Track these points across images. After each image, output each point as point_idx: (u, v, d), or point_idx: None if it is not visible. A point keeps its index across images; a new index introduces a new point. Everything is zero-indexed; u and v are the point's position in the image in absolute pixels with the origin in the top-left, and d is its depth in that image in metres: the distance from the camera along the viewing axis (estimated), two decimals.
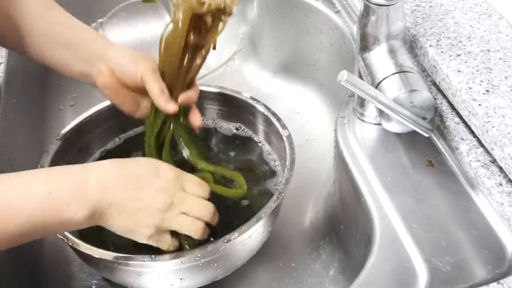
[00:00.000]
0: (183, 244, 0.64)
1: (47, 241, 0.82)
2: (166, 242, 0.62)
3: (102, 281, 0.77)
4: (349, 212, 0.72)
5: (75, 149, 0.79)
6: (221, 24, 0.64)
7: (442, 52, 0.70)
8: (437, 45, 0.71)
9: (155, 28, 1.10)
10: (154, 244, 0.61)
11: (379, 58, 0.68)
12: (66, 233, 0.66)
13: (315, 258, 0.80)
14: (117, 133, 0.84)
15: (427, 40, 0.72)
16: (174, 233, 0.62)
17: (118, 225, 0.59)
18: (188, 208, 0.60)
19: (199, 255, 0.63)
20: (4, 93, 0.82)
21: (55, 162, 0.75)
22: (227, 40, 1.05)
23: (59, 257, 0.80)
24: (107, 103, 0.81)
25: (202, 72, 0.93)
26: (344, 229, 0.76)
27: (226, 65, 0.96)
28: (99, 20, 1.07)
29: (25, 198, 0.53)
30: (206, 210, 0.62)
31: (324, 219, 0.83)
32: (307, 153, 0.92)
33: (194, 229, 0.61)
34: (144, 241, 0.61)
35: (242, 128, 0.84)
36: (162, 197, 0.59)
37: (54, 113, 1.02)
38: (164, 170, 0.60)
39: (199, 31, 0.64)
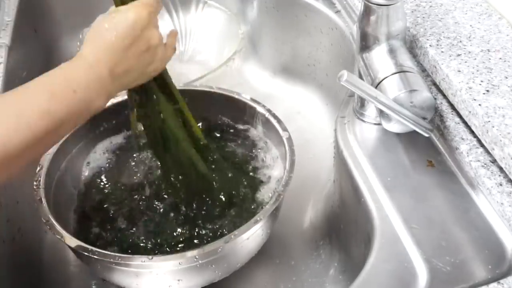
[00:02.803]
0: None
1: (47, 241, 0.82)
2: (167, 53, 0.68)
3: (102, 281, 0.77)
4: (349, 212, 0.72)
5: (76, 149, 0.79)
6: None
7: (442, 52, 0.70)
8: (437, 45, 0.71)
9: None
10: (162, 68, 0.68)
11: (379, 58, 0.68)
12: (64, 233, 0.66)
13: (315, 258, 0.80)
14: (119, 132, 0.84)
15: (427, 40, 0.72)
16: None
17: (134, 83, 0.65)
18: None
19: (197, 257, 0.63)
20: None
21: (55, 161, 0.75)
22: (227, 40, 1.05)
23: (59, 257, 0.80)
24: (109, 102, 0.81)
25: (201, 71, 0.93)
26: (344, 229, 0.76)
27: (226, 65, 0.96)
28: None
29: (53, 99, 0.56)
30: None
31: (324, 219, 0.83)
32: (307, 153, 0.92)
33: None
34: (156, 74, 0.67)
35: (242, 130, 0.84)
36: (154, 37, 0.64)
37: None
38: (141, 16, 0.63)
39: None
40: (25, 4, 1.04)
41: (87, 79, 0.59)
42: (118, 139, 0.84)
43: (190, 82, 0.90)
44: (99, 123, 0.82)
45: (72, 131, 0.77)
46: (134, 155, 0.83)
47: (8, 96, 0.56)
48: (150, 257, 0.63)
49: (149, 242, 0.72)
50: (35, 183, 0.71)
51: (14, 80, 0.88)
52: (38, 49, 1.09)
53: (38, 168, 0.73)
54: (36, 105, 0.55)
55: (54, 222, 0.67)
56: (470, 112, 0.63)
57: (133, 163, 0.82)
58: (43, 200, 0.69)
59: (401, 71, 0.66)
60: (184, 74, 1.07)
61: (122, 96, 0.81)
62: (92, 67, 0.60)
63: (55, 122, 0.55)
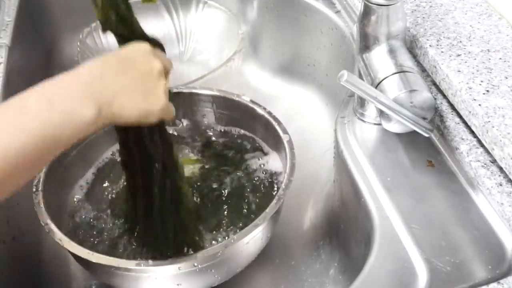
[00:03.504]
0: None
1: (47, 241, 0.82)
2: (170, 108, 0.61)
3: (102, 282, 0.77)
4: (349, 212, 0.72)
5: (75, 151, 0.79)
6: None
7: (442, 52, 0.70)
8: (437, 45, 0.71)
9: (155, 28, 1.10)
10: (164, 116, 0.60)
11: (379, 58, 0.68)
12: (63, 237, 0.65)
13: (315, 258, 0.80)
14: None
15: (427, 40, 0.72)
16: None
17: (131, 110, 0.56)
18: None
19: (196, 261, 0.63)
20: (4, 93, 0.82)
21: (54, 163, 0.75)
22: (227, 40, 1.05)
23: (59, 257, 0.80)
24: None
25: (201, 72, 0.93)
26: (344, 229, 0.76)
27: (226, 65, 0.95)
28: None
29: (26, 113, 0.49)
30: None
31: (324, 219, 0.83)
32: (307, 153, 0.92)
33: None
34: (157, 117, 0.59)
35: (242, 131, 0.84)
36: (156, 62, 0.58)
37: None
38: (140, 45, 0.60)
39: None
40: (25, 4, 1.04)
41: (68, 87, 0.52)
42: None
43: (190, 82, 0.90)
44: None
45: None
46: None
47: None
48: (150, 261, 0.63)
49: (148, 246, 0.71)
50: (34, 186, 0.71)
51: (14, 80, 0.88)
52: (38, 49, 1.09)
53: None
54: (6, 120, 0.49)
55: (53, 226, 0.67)
56: (470, 112, 0.63)
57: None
58: (42, 203, 0.69)
59: (401, 71, 0.66)
60: (184, 74, 1.07)
61: None
62: (79, 75, 0.54)
63: (31, 141, 0.49)
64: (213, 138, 0.86)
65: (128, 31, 0.63)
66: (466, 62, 0.68)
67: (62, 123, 0.50)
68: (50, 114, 0.50)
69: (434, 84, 0.71)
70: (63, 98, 0.51)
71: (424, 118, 0.67)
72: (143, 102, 0.57)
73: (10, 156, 0.48)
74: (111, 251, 0.71)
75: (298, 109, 1.03)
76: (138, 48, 0.60)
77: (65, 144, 0.52)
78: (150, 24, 1.10)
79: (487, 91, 0.64)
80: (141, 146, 0.65)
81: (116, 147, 0.83)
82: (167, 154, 0.66)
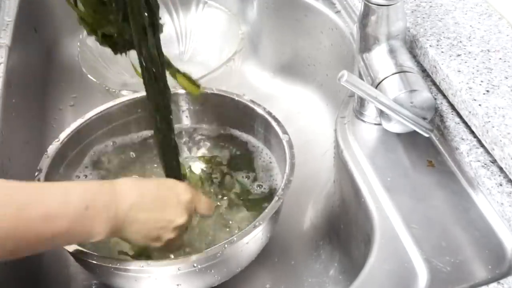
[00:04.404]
0: None
1: None
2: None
3: (102, 282, 0.77)
4: (349, 212, 0.72)
5: (74, 152, 0.79)
6: None
7: (442, 52, 0.70)
8: (437, 45, 0.71)
9: None
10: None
11: (379, 58, 0.68)
12: None
13: (315, 258, 0.80)
14: (116, 136, 0.84)
15: (427, 40, 0.72)
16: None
17: (135, 237, 0.62)
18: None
19: (196, 262, 0.63)
20: (4, 93, 0.82)
21: (54, 164, 0.75)
22: (227, 40, 1.05)
23: (59, 257, 0.80)
24: (106, 106, 0.81)
25: (201, 72, 0.93)
26: (344, 229, 0.76)
27: (226, 65, 0.95)
28: None
29: (65, 208, 0.54)
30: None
31: (324, 219, 0.83)
32: (307, 153, 0.92)
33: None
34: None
35: (242, 132, 0.84)
36: (182, 217, 0.63)
37: (54, 113, 1.02)
38: (183, 191, 0.64)
39: None
40: (25, 4, 1.04)
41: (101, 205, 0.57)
42: (116, 145, 0.84)
43: None
44: (97, 127, 0.82)
45: (70, 135, 0.78)
46: (134, 157, 0.83)
47: (27, 186, 0.55)
48: (149, 262, 0.63)
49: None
50: None
51: (14, 80, 0.88)
52: (38, 49, 1.09)
53: (37, 173, 0.72)
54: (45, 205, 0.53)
55: None
56: (470, 112, 0.63)
57: (133, 166, 0.83)
58: None
59: (401, 71, 0.66)
60: None
61: (113, 101, 0.82)
62: (115, 195, 0.58)
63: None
64: (213, 138, 0.86)
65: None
66: (466, 62, 0.68)
67: (83, 230, 0.56)
68: (82, 219, 0.55)
69: (434, 84, 0.71)
70: (97, 211, 0.56)
71: (424, 118, 0.67)
72: (148, 240, 0.63)
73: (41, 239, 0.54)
74: (111, 251, 0.71)
75: (298, 109, 1.03)
76: (177, 192, 0.63)
77: (71, 243, 0.62)
78: None
79: (487, 91, 0.64)
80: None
81: (116, 147, 0.84)
82: None
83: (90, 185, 0.61)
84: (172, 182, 0.66)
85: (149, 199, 0.61)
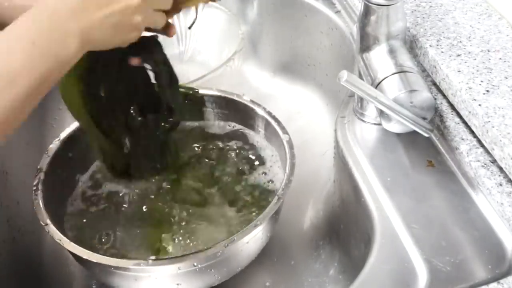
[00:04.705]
0: None
1: (47, 241, 0.82)
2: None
3: (102, 282, 0.77)
4: (349, 212, 0.72)
5: (74, 151, 0.79)
6: None
7: (442, 52, 0.70)
8: (437, 45, 0.71)
9: None
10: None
11: (379, 58, 0.68)
12: (63, 237, 0.65)
13: (315, 258, 0.80)
14: None
15: (427, 40, 0.72)
16: None
17: (105, 41, 0.58)
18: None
19: (196, 261, 0.63)
20: None
21: (54, 163, 0.75)
22: (227, 40, 1.05)
23: (59, 257, 0.80)
24: None
25: (201, 72, 0.93)
26: (344, 229, 0.76)
27: (226, 65, 0.95)
28: None
29: (13, 53, 0.51)
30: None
31: (324, 219, 0.83)
32: (307, 153, 0.92)
33: (161, 21, 0.65)
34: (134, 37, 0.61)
35: (242, 131, 0.84)
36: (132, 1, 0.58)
37: (54, 113, 1.02)
38: None
39: None
40: None
41: (49, 25, 0.53)
42: None
43: (190, 82, 0.90)
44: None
45: (70, 134, 0.77)
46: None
47: None
48: (149, 261, 0.62)
49: (147, 246, 0.71)
50: (34, 186, 0.71)
51: None
52: None
53: (37, 171, 0.73)
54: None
55: (53, 226, 0.67)
56: (470, 112, 0.63)
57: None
58: (41, 203, 0.69)
59: (401, 71, 0.66)
60: (184, 74, 1.06)
61: None
62: (56, 11, 0.54)
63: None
64: (213, 138, 0.86)
65: None
66: (466, 62, 0.68)
67: (47, 63, 0.53)
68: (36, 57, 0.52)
69: (434, 84, 0.71)
70: (49, 38, 0.53)
71: (424, 118, 0.67)
72: (123, 34, 0.59)
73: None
74: (111, 251, 0.71)
75: (298, 109, 1.03)
76: None
77: (50, 79, 0.55)
78: None
79: (487, 91, 0.64)
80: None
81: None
82: None
83: (22, 22, 0.54)
84: None
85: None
